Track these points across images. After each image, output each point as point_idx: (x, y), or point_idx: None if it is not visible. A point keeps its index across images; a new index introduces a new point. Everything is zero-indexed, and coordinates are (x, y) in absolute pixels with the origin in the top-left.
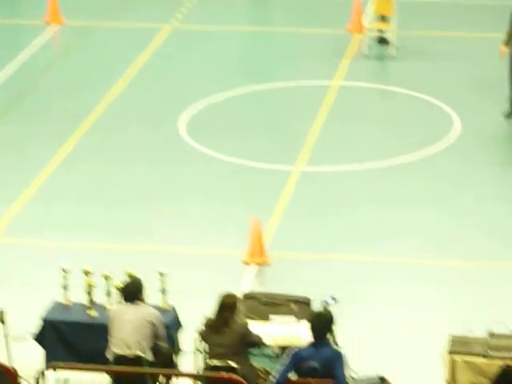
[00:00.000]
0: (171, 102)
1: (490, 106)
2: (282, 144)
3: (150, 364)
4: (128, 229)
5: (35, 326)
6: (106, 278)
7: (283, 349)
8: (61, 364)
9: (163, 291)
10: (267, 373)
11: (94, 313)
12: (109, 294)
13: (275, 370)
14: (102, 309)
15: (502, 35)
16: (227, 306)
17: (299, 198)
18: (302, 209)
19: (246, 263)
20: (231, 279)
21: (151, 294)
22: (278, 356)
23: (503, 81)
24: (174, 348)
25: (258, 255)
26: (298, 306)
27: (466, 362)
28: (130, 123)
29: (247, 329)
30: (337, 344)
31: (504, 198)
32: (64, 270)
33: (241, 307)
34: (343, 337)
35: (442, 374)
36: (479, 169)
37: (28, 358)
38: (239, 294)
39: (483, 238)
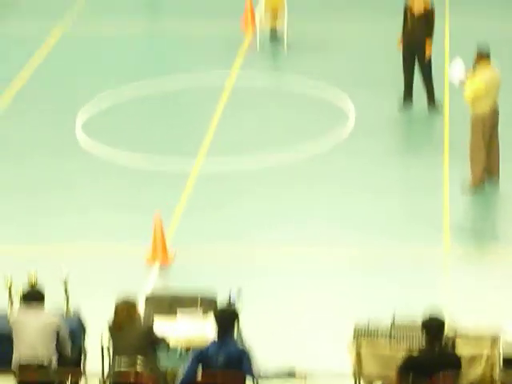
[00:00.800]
0: (66, 101)
1: (385, 98)
2: (181, 141)
3: (56, 369)
4: (27, 228)
5: None
6: (7, 282)
7: (188, 349)
8: None
9: (66, 294)
10: (174, 373)
11: None
12: (10, 299)
13: (180, 370)
14: (3, 316)
15: (391, 26)
16: (123, 307)
17: (200, 194)
18: (202, 204)
19: (150, 261)
20: (135, 278)
21: (53, 297)
22: (185, 356)
23: (398, 72)
24: (80, 351)
25: (161, 252)
26: (204, 305)
27: (372, 354)
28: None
29: (151, 328)
30: (243, 339)
31: (398, 188)
32: None
33: (146, 306)
34: (249, 329)
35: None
36: (375, 159)
37: None
38: (144, 293)
39: (380, 226)
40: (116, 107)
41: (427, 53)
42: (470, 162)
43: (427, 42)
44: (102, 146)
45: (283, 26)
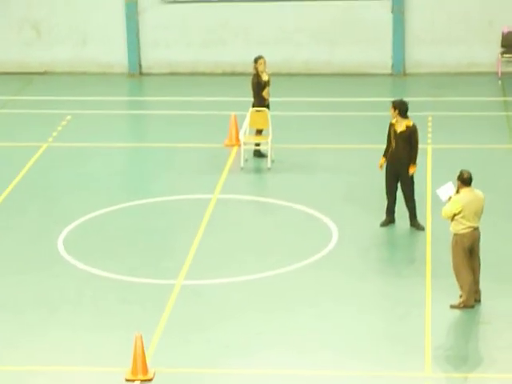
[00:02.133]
0: (49, 218)
1: (366, 215)
2: (162, 258)
3: None
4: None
5: None
6: None
7: None
8: None
9: None
10: None
11: None
12: None
13: None
14: None
15: (375, 146)
16: None
17: (181, 312)
18: (184, 323)
19: (129, 380)
20: None
21: None
22: None
23: (379, 190)
24: None
25: (140, 372)
26: None
27: None
28: (6, 239)
29: None
30: None
31: (383, 307)
32: None
33: None
34: None
35: None
36: (358, 277)
37: None
38: None
39: (358, 348)
40: (98, 222)
41: (410, 171)
42: (457, 282)
43: (411, 161)
44: (82, 262)
45: (268, 142)
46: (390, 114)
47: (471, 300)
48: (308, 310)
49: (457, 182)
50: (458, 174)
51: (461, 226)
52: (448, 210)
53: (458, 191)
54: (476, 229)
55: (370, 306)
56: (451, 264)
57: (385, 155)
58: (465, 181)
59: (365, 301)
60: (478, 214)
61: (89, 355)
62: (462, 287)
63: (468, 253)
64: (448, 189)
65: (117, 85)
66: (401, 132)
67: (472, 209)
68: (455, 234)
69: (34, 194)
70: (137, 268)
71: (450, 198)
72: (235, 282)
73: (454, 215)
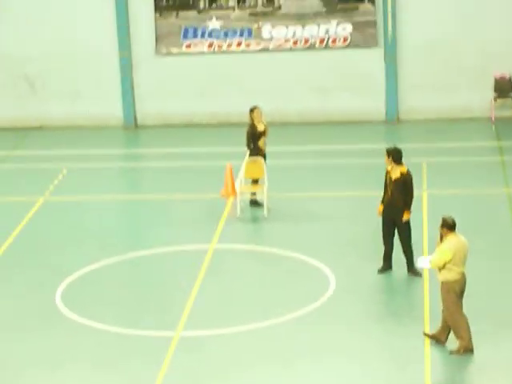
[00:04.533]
0: (47, 272)
1: (364, 263)
2: (161, 310)
3: None
4: None
5: None
6: None
7: None
8: None
9: None
10: None
11: None
12: None
13: None
14: None
15: (371, 194)
16: None
17: (181, 365)
18: (183, 375)
19: None
20: None
21: None
22: None
23: (376, 237)
24: None
25: None
26: None
27: None
28: (4, 293)
29: None
30: None
31: (384, 358)
32: None
33: None
34: None
35: None
36: (357, 327)
37: None
38: None
39: None
40: (96, 275)
41: (404, 217)
42: (454, 329)
43: (405, 208)
44: (81, 315)
45: (263, 191)
46: (385, 162)
47: (470, 344)
48: (307, 361)
49: (440, 230)
50: (440, 220)
51: (452, 274)
52: (439, 259)
53: (441, 238)
54: (464, 274)
55: (370, 357)
56: (445, 312)
57: (382, 202)
58: (451, 226)
59: (365, 351)
60: (465, 258)
61: None
62: (459, 333)
63: (459, 298)
64: (423, 259)
65: (112, 138)
66: (396, 179)
67: (461, 254)
68: (446, 282)
69: (32, 247)
70: (135, 320)
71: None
72: (234, 333)
73: (445, 263)
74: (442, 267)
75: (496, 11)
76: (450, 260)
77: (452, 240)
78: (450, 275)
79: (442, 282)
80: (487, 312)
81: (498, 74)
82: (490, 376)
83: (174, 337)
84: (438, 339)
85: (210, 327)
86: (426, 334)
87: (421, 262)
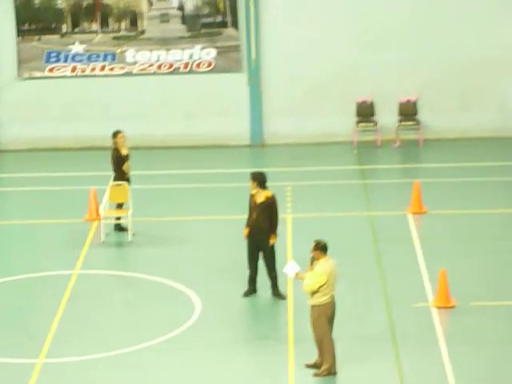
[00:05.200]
0: None
1: (230, 286)
2: (23, 337)
3: None
4: None
5: None
6: None
7: None
8: None
9: None
10: None
11: None
12: None
13: None
14: None
15: (236, 217)
16: None
17: None
18: None
19: None
20: None
21: None
22: None
23: (242, 261)
24: None
25: None
26: None
27: None
28: None
29: None
30: None
31: (248, 380)
32: None
33: None
34: None
35: None
36: (222, 349)
37: None
38: None
39: None
40: None
41: (271, 242)
42: (320, 351)
43: (271, 231)
44: None
45: (128, 216)
46: (250, 186)
47: (334, 367)
48: None
49: (313, 252)
50: (313, 243)
51: (324, 298)
52: (313, 283)
53: (312, 262)
54: (333, 297)
55: (233, 380)
56: (313, 335)
57: (248, 225)
58: (324, 249)
59: (228, 374)
60: (336, 281)
61: None
62: (324, 356)
63: (329, 322)
64: (292, 266)
65: None
66: (260, 203)
67: (334, 277)
68: (317, 306)
69: None
70: None
71: (297, 273)
72: (97, 359)
73: (319, 287)
74: (316, 291)
75: (366, 39)
76: (324, 284)
77: (325, 263)
78: (322, 299)
79: (313, 306)
80: (351, 334)
81: (361, 99)
82: None
83: (36, 364)
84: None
85: (75, 354)
86: (308, 366)
87: (288, 269)
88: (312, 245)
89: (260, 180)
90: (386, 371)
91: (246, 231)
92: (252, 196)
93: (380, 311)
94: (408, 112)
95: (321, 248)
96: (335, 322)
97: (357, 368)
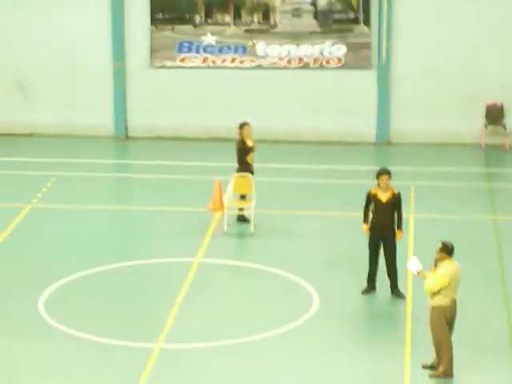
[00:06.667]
0: (31, 280)
1: (347, 283)
2: (143, 321)
3: None
4: None
5: None
6: None
7: None
8: None
9: None
10: None
11: None
12: None
13: None
14: None
15: (358, 214)
16: None
17: (161, 377)
18: None
19: None
20: None
21: None
22: None
23: (360, 258)
24: None
25: None
26: None
27: None
28: None
29: None
30: None
31: (362, 380)
32: None
33: None
34: None
35: None
36: (336, 347)
37: None
38: None
39: None
40: (80, 284)
41: (398, 236)
42: (437, 353)
43: (397, 227)
44: (63, 324)
45: (251, 207)
46: (374, 183)
47: (451, 370)
48: (287, 380)
49: (438, 254)
50: (439, 244)
51: (445, 300)
52: (434, 283)
53: (436, 263)
54: (455, 300)
55: (349, 376)
56: (431, 337)
57: (365, 221)
58: (450, 252)
59: (344, 371)
60: (458, 285)
61: None
62: (442, 358)
63: (448, 325)
64: (415, 262)
65: (102, 148)
66: (387, 201)
67: (456, 281)
68: (437, 307)
69: (17, 254)
70: (118, 330)
71: (419, 271)
72: (217, 347)
73: (440, 289)
74: (437, 292)
75: (497, 42)
76: (446, 286)
77: (449, 266)
78: (442, 301)
79: (433, 307)
80: (470, 339)
81: (490, 102)
82: None
83: (154, 348)
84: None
85: (193, 340)
86: (424, 367)
87: (411, 264)
88: (438, 246)
89: (447, 249)
90: (502, 381)
91: (364, 226)
92: (374, 195)
93: (501, 319)
94: None
95: (447, 249)
96: (455, 326)
97: (473, 375)
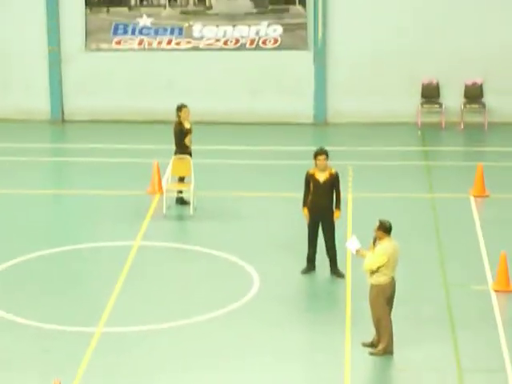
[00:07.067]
0: None
1: (288, 263)
2: (82, 305)
3: None
4: None
5: None
6: None
7: None
8: None
9: None
10: None
11: None
12: None
13: None
14: None
15: (297, 195)
16: None
17: (101, 361)
18: (103, 371)
19: None
20: None
21: None
22: None
23: (300, 238)
24: None
25: None
26: None
27: None
28: None
29: None
30: None
31: (302, 356)
32: None
33: None
34: None
35: None
36: (277, 325)
37: None
38: None
39: None
40: (18, 270)
41: (336, 215)
42: (377, 331)
43: (335, 207)
44: (1, 309)
45: (190, 189)
46: (312, 163)
47: (391, 347)
48: (230, 361)
49: (377, 232)
50: (377, 223)
51: (384, 278)
52: (373, 262)
53: (375, 242)
54: (394, 278)
55: (289, 355)
56: (371, 315)
57: (305, 205)
58: (388, 230)
59: (284, 349)
60: (397, 263)
61: None
62: (382, 335)
63: (388, 303)
64: (354, 241)
65: (39, 132)
66: (324, 181)
67: (395, 259)
68: (376, 286)
69: None
70: (57, 315)
71: (358, 250)
72: (155, 330)
73: (379, 267)
74: (376, 270)
75: (433, 20)
76: (385, 264)
77: (387, 244)
78: (381, 279)
79: (373, 285)
80: (408, 314)
81: (426, 80)
82: (409, 376)
83: (95, 332)
84: (374, 345)
85: (134, 324)
86: (364, 345)
87: (350, 244)
88: (376, 224)
89: (385, 228)
90: (442, 353)
91: (305, 211)
92: (312, 175)
93: (439, 293)
94: (473, 95)
95: (385, 228)
96: (394, 303)
97: (413, 349)
